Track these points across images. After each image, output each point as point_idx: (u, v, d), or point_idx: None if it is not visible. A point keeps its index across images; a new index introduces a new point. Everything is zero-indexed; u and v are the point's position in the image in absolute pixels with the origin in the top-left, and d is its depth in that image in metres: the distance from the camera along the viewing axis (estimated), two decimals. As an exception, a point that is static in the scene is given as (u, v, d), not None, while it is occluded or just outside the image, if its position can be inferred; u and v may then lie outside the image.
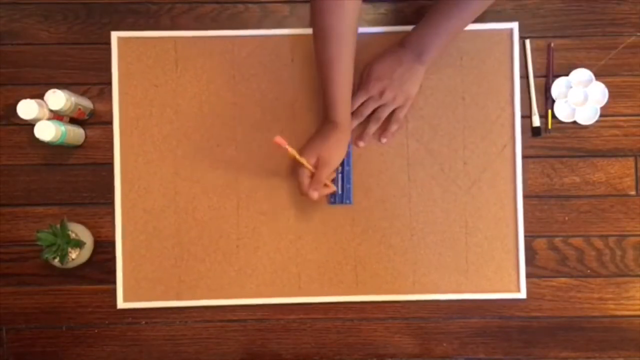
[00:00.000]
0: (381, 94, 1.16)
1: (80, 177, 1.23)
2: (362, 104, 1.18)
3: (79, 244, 1.17)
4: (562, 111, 1.23)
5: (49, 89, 1.13)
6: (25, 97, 1.13)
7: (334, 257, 1.23)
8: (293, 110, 1.23)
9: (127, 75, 1.23)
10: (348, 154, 1.21)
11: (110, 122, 1.22)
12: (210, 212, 1.22)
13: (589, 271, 1.24)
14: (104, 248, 1.23)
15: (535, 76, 1.23)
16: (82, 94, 1.22)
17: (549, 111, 1.23)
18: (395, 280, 1.23)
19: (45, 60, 1.24)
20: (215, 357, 1.24)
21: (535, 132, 1.23)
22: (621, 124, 1.24)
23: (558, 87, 1.23)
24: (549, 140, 1.24)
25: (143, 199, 1.22)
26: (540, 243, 1.24)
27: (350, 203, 1.22)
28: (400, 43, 1.18)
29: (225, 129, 1.23)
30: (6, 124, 1.23)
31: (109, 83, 1.23)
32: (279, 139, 1.06)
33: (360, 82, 1.20)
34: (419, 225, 1.23)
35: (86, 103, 1.20)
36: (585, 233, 1.24)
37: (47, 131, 1.11)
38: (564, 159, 1.24)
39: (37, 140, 1.12)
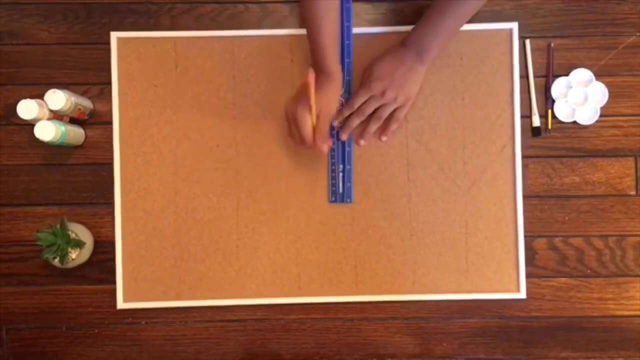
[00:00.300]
0: (383, 93, 1.16)
1: (80, 177, 1.23)
2: (364, 103, 1.18)
3: (79, 244, 1.17)
4: (562, 111, 1.23)
5: (49, 89, 1.13)
6: (25, 97, 1.13)
7: (333, 257, 1.23)
8: (293, 111, 1.23)
9: (126, 75, 1.23)
10: (348, 154, 1.21)
11: (110, 122, 1.22)
12: (210, 213, 1.22)
13: (589, 271, 1.24)
14: (104, 248, 1.23)
15: (535, 76, 1.23)
16: (82, 94, 1.22)
17: (549, 111, 1.23)
18: (395, 280, 1.23)
19: (45, 60, 1.24)
20: (215, 357, 1.24)
21: (535, 132, 1.23)
22: (621, 124, 1.24)
23: (558, 87, 1.23)
24: (549, 140, 1.24)
25: (143, 199, 1.22)
26: (540, 243, 1.24)
27: (350, 202, 1.22)
28: (400, 43, 1.19)
29: (225, 129, 1.23)
30: (6, 124, 1.23)
31: (109, 83, 1.23)
32: (311, 78, 1.04)
33: (362, 82, 1.20)
34: (419, 225, 1.23)
35: (86, 103, 1.20)
36: (585, 233, 1.24)
37: (47, 131, 1.11)
38: (564, 159, 1.24)
39: (37, 140, 1.12)
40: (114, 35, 1.23)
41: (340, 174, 1.22)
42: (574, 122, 1.23)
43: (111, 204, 1.22)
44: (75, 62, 1.24)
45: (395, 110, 1.19)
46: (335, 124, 1.21)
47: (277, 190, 1.23)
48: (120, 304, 1.22)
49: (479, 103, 1.23)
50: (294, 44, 1.23)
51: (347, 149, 1.22)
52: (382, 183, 1.23)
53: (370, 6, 1.24)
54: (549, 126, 1.23)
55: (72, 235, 1.16)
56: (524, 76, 1.24)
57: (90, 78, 1.23)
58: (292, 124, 1.12)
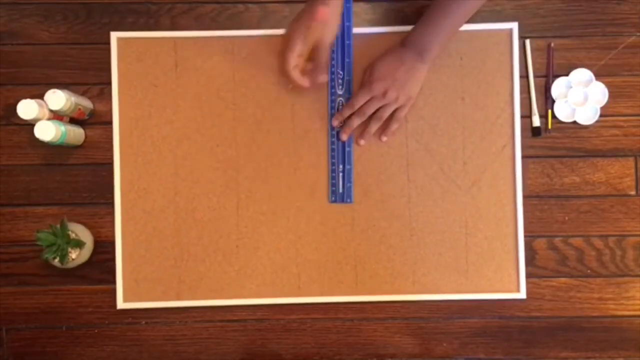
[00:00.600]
0: (384, 94, 1.16)
1: (80, 177, 1.23)
2: (365, 103, 1.18)
3: (79, 244, 1.17)
4: (562, 111, 1.23)
5: (49, 89, 1.13)
6: (25, 97, 1.13)
7: (333, 257, 1.23)
8: (293, 111, 1.23)
9: (126, 75, 1.23)
10: (348, 154, 1.21)
11: (110, 122, 1.22)
12: (210, 213, 1.22)
13: (589, 271, 1.24)
14: (104, 248, 1.23)
15: (535, 76, 1.23)
16: (82, 94, 1.22)
17: (549, 111, 1.23)
18: (395, 280, 1.23)
19: (45, 60, 1.23)
20: (215, 357, 1.24)
21: (535, 132, 1.23)
22: (621, 124, 1.24)
23: (558, 87, 1.23)
24: (549, 140, 1.24)
25: (143, 199, 1.22)
26: (540, 243, 1.24)
27: (351, 202, 1.22)
28: (401, 43, 1.19)
29: (225, 130, 1.23)
30: (6, 124, 1.23)
31: (109, 83, 1.23)
32: (323, 13, 1.05)
33: (362, 82, 1.20)
34: (419, 226, 1.23)
35: (86, 103, 1.20)
36: (585, 233, 1.24)
37: (47, 131, 1.11)
38: (564, 159, 1.24)
39: (37, 140, 1.12)
40: (114, 36, 1.23)
41: (340, 174, 1.22)
42: (574, 122, 1.23)
43: (111, 204, 1.22)
44: (75, 62, 1.24)
45: (395, 110, 1.19)
46: (335, 123, 1.21)
47: (277, 190, 1.23)
48: (120, 304, 1.22)
49: (479, 103, 1.23)
50: (294, 44, 1.23)
51: (347, 149, 1.22)
52: (382, 183, 1.23)
53: (370, 6, 1.24)
54: (549, 126, 1.23)
55: (72, 235, 1.16)
56: (524, 76, 1.24)
57: (90, 78, 1.23)
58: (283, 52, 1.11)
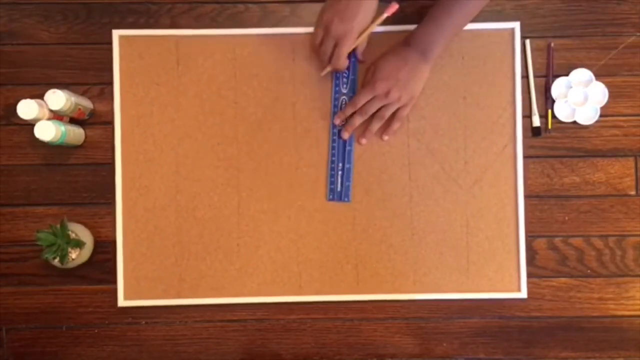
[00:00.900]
0: (387, 93, 1.15)
1: (80, 177, 1.23)
2: (367, 102, 1.18)
3: (79, 244, 1.16)
4: (562, 111, 1.24)
5: (49, 89, 1.13)
6: (25, 97, 1.13)
7: (334, 256, 1.23)
8: (294, 110, 1.23)
9: (128, 73, 1.23)
10: (349, 153, 1.22)
11: (111, 122, 1.22)
12: (211, 211, 1.22)
13: (589, 271, 1.24)
14: (104, 248, 1.23)
15: (535, 76, 1.24)
16: (82, 94, 1.22)
17: (549, 111, 1.23)
18: (395, 280, 1.23)
19: (45, 60, 1.23)
20: (215, 357, 1.24)
21: (535, 132, 1.23)
22: (621, 124, 1.24)
23: (558, 87, 1.23)
24: (549, 140, 1.24)
25: (144, 197, 1.22)
26: (540, 243, 1.24)
27: (348, 201, 1.22)
28: (404, 42, 1.18)
29: (226, 128, 1.23)
30: (6, 124, 1.22)
31: (109, 83, 1.23)
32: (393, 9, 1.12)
33: (365, 81, 1.20)
34: (420, 225, 1.23)
35: (86, 103, 1.20)
36: (585, 233, 1.24)
37: (47, 131, 1.11)
38: (564, 159, 1.24)
39: (37, 140, 1.12)
40: (116, 33, 1.23)
41: (340, 173, 1.22)
42: (574, 122, 1.24)
43: (111, 203, 1.22)
44: (75, 62, 1.24)
45: (397, 109, 1.19)
46: (337, 122, 1.21)
47: (278, 189, 1.23)
48: (121, 302, 1.22)
49: (480, 103, 1.23)
50: (296, 43, 1.23)
51: (347, 147, 1.22)
52: (383, 182, 1.23)
53: (371, 6, 1.24)
54: (549, 126, 1.24)
55: (72, 235, 1.16)
56: (524, 76, 1.24)
57: (90, 78, 1.23)
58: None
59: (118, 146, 1.22)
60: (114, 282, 1.22)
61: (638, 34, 1.24)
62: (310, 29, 1.21)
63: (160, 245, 1.22)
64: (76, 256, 1.17)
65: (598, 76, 1.23)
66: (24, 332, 1.23)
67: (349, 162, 1.22)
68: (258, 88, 1.23)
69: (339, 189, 1.22)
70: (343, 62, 1.16)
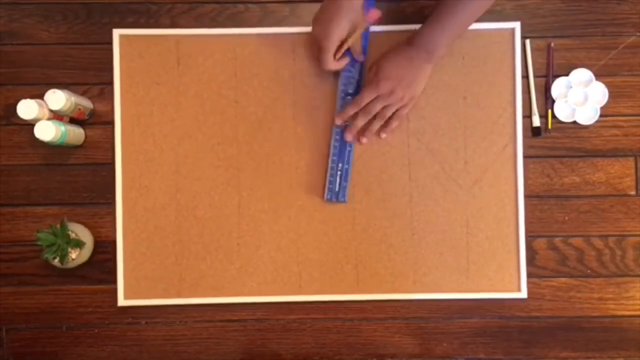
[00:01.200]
0: (390, 93, 1.15)
1: (80, 177, 1.23)
2: (370, 102, 1.17)
3: (79, 244, 1.16)
4: (562, 111, 1.24)
5: (49, 89, 1.13)
6: (25, 97, 1.13)
7: (334, 256, 1.23)
8: (294, 109, 1.23)
9: (128, 72, 1.23)
10: (349, 153, 1.21)
11: (111, 122, 1.22)
12: (211, 211, 1.22)
13: (589, 271, 1.24)
14: (104, 248, 1.23)
15: (535, 76, 1.24)
16: (82, 94, 1.22)
17: (549, 111, 1.23)
18: (395, 280, 1.23)
19: (45, 60, 1.23)
20: (215, 357, 1.24)
21: (535, 132, 1.23)
22: (621, 124, 1.24)
23: (558, 87, 1.23)
24: (549, 140, 1.24)
25: (144, 197, 1.22)
26: (540, 243, 1.24)
27: (344, 201, 1.22)
28: (407, 42, 1.18)
29: (226, 128, 1.23)
30: (6, 124, 1.22)
31: (109, 83, 1.23)
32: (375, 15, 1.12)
33: (367, 80, 1.19)
34: (420, 225, 1.23)
35: (86, 103, 1.20)
36: (585, 233, 1.24)
37: (47, 131, 1.11)
38: (564, 159, 1.24)
39: (37, 140, 1.12)
40: (117, 33, 1.23)
41: (339, 173, 1.22)
42: (574, 122, 1.24)
43: (111, 203, 1.22)
44: (75, 62, 1.24)
45: (398, 108, 1.18)
46: (339, 122, 1.20)
47: (278, 188, 1.23)
48: (121, 302, 1.22)
49: (480, 103, 1.23)
50: (296, 42, 1.24)
51: (348, 148, 1.21)
52: (383, 182, 1.23)
53: (371, 6, 1.25)
54: (549, 126, 1.24)
55: (72, 235, 1.16)
56: (524, 76, 1.24)
57: (90, 78, 1.23)
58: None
59: (118, 146, 1.22)
60: (114, 282, 1.22)
61: (638, 34, 1.24)
62: (310, 29, 1.21)
63: (160, 245, 1.22)
64: (76, 256, 1.17)
65: (598, 76, 1.23)
66: (24, 332, 1.23)
67: (348, 163, 1.22)
68: (258, 88, 1.23)
69: (337, 189, 1.22)
70: (331, 65, 1.15)
